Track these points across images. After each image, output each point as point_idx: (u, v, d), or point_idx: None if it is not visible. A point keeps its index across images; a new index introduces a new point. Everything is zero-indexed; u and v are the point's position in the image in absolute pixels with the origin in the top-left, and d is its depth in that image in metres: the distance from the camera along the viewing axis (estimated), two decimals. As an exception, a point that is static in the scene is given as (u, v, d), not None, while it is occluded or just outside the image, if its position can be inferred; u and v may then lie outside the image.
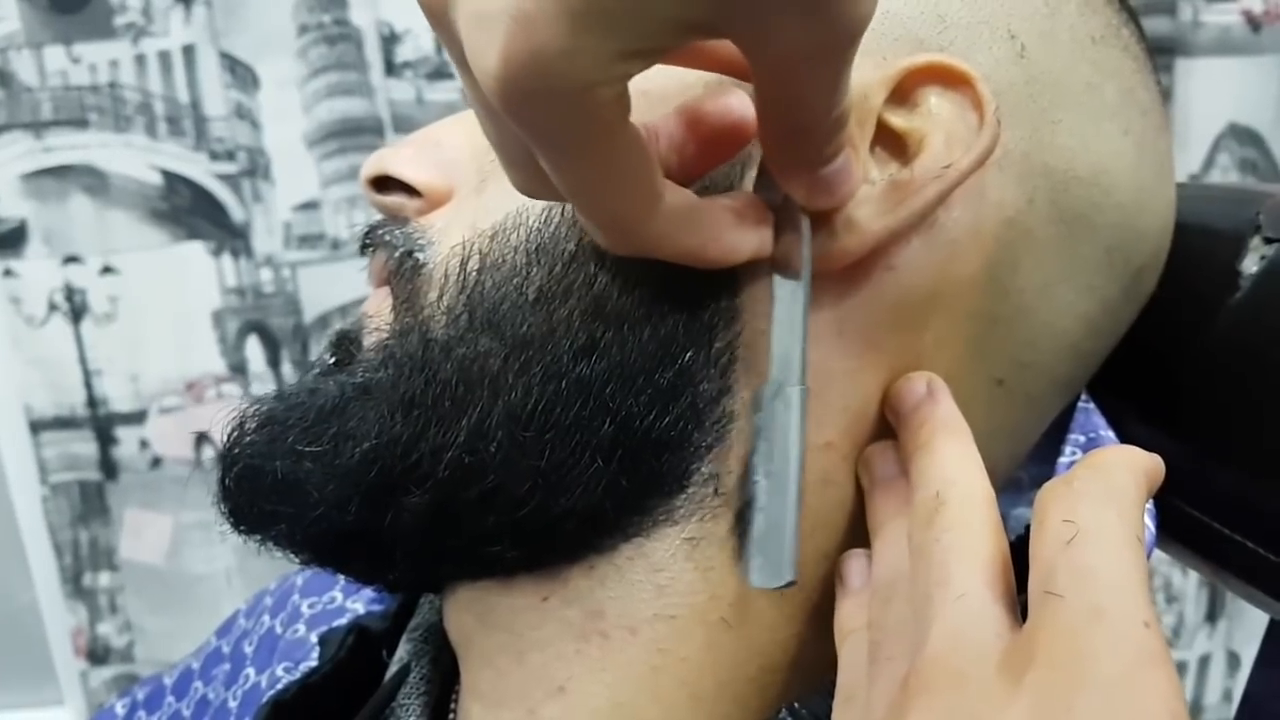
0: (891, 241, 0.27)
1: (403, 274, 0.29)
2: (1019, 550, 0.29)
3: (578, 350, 0.27)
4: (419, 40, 0.98)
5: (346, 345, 0.30)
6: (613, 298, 0.27)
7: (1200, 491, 0.34)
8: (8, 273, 0.99)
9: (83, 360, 1.00)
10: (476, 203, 0.29)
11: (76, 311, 0.99)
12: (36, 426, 1.02)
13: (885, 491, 0.27)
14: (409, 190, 0.31)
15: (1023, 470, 0.34)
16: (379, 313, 0.30)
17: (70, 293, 0.99)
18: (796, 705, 0.26)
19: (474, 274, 0.28)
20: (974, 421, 0.30)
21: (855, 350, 0.28)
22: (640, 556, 0.28)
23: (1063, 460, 0.33)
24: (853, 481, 0.28)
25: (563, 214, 0.28)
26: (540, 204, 0.28)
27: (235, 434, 0.29)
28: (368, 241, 0.32)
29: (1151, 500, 0.30)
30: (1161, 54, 0.93)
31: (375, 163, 0.32)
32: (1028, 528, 0.29)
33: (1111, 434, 0.33)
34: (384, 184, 0.32)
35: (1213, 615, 1.12)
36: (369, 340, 0.29)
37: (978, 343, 0.29)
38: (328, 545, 0.30)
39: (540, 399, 0.27)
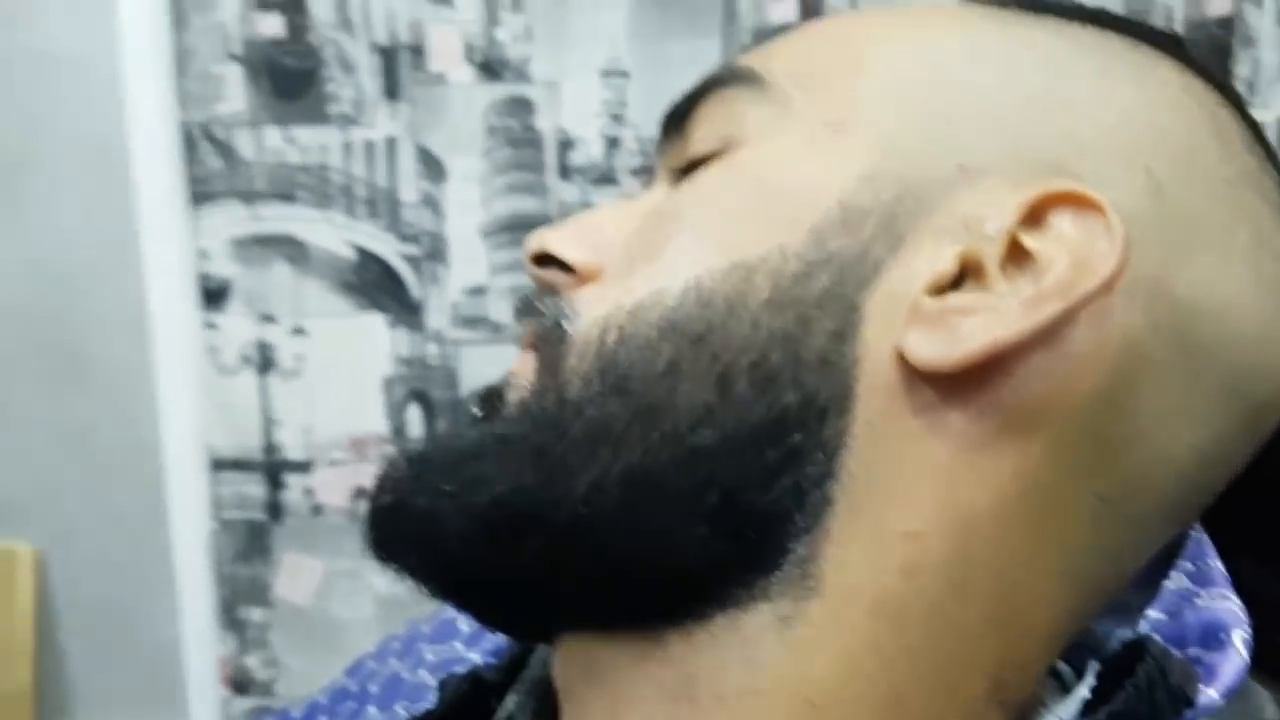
0: (1010, 352, 0.28)
1: (550, 340, 0.32)
2: (1111, 669, 0.29)
3: (695, 421, 0.29)
4: (590, 148, 1.03)
5: (493, 400, 0.33)
6: (732, 377, 0.29)
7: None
8: (209, 325, 1.07)
9: (265, 410, 1.08)
10: (622, 284, 0.31)
11: (264, 365, 1.07)
12: (216, 465, 1.08)
13: None
14: (565, 267, 0.34)
15: (1130, 594, 0.34)
16: (524, 373, 0.32)
17: (262, 348, 1.07)
18: None
19: (611, 345, 0.30)
20: (1074, 536, 0.30)
21: (955, 448, 0.29)
22: (734, 628, 0.29)
23: (1169, 585, 0.33)
24: (939, 580, 0.29)
25: (696, 298, 0.30)
26: (678, 288, 0.30)
27: (389, 469, 0.33)
28: (523, 309, 0.35)
29: (1247, 633, 0.30)
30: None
31: (538, 240, 0.34)
32: (1124, 645, 0.29)
33: (1219, 564, 0.33)
34: (544, 259, 0.34)
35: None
36: (512, 397, 0.32)
37: (1087, 459, 0.29)
38: (453, 579, 0.32)
39: (655, 462, 0.29)
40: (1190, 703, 0.28)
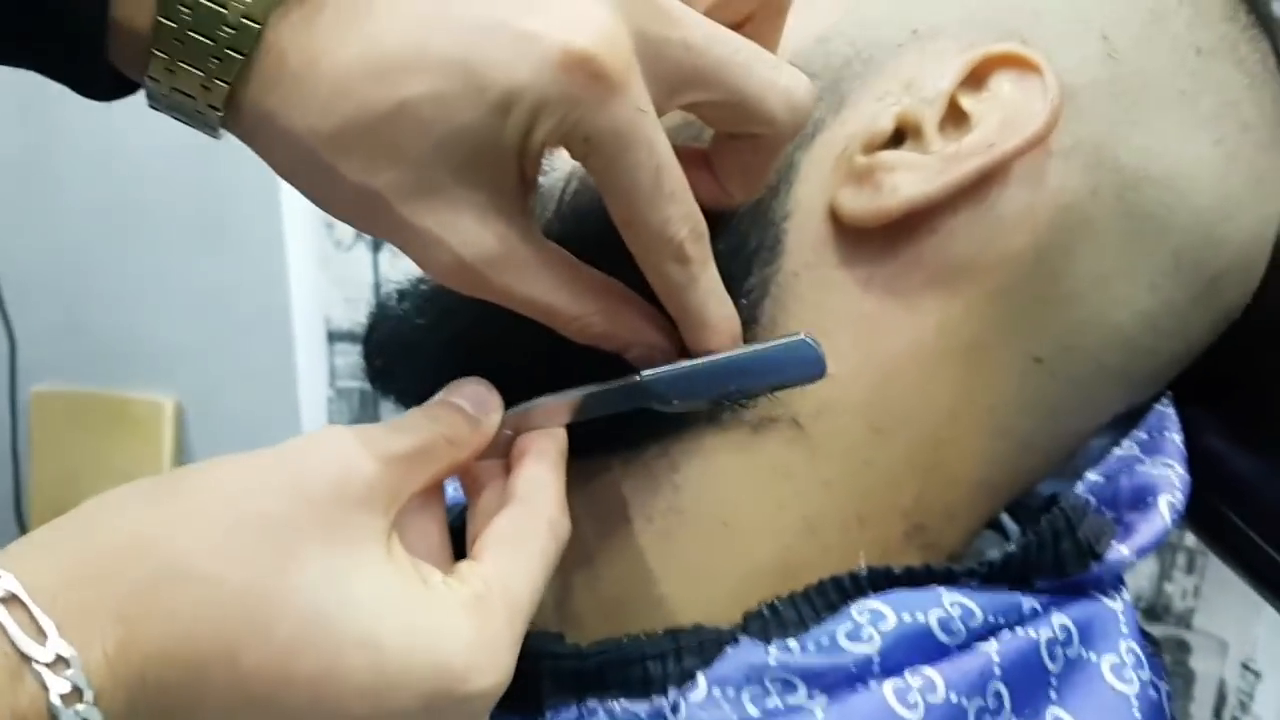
0: (934, 209, 0.29)
1: None
2: (1027, 520, 0.30)
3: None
4: None
5: None
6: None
7: (1264, 511, 0.33)
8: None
9: (376, 285, 1.13)
10: None
11: (378, 242, 1.12)
12: (333, 337, 1.15)
13: None
14: None
15: (1081, 458, 0.35)
16: None
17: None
18: (775, 603, 0.29)
19: (569, 196, 0.32)
20: (1003, 391, 0.31)
21: (878, 299, 0.30)
22: (664, 455, 0.31)
23: (1117, 451, 0.33)
24: (857, 421, 0.30)
25: None
26: None
27: (377, 307, 0.35)
28: None
29: (1176, 499, 0.30)
30: None
31: None
32: (1043, 500, 0.30)
33: (1176, 438, 0.33)
34: None
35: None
36: None
37: (1016, 318, 0.31)
38: None
39: None
40: (1099, 557, 0.29)
